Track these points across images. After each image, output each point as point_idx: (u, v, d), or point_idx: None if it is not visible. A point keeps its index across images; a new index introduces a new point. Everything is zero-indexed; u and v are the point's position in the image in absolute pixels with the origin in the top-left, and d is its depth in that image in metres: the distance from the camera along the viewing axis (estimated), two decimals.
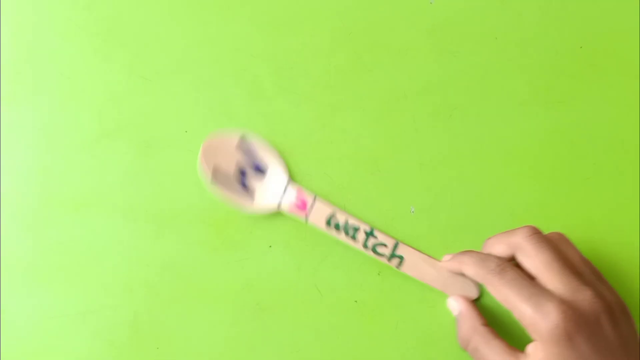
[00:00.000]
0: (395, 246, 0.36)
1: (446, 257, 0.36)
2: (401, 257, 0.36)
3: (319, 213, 0.36)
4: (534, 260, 0.31)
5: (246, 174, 0.36)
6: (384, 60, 0.39)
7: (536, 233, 0.32)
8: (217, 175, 0.36)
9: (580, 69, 0.39)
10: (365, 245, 0.36)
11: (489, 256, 0.32)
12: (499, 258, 0.32)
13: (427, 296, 0.36)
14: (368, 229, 0.36)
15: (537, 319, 0.29)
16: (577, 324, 0.28)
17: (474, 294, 0.35)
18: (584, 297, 0.29)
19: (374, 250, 0.36)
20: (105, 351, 0.36)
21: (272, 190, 0.36)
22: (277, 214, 0.37)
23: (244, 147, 0.36)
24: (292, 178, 0.37)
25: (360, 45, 0.39)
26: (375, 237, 0.36)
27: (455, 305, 0.35)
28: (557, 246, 0.31)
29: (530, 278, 0.30)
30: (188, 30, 0.39)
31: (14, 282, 0.36)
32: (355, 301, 0.36)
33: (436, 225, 0.37)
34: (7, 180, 0.37)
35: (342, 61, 0.39)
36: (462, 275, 0.35)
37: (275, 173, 0.36)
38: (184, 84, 0.39)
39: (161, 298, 0.36)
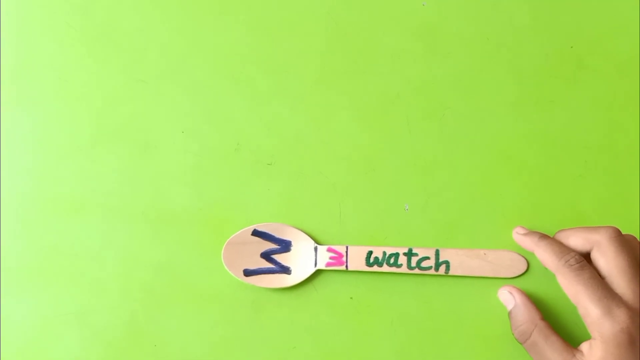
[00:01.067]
0: (437, 254, 0.36)
1: (519, 230, 0.36)
2: (447, 263, 0.36)
3: (357, 258, 0.36)
4: (611, 263, 0.31)
5: (273, 255, 0.36)
6: (378, 62, 0.40)
7: (619, 236, 0.32)
8: (247, 270, 0.36)
9: (570, 69, 0.40)
10: (410, 267, 0.36)
11: (568, 249, 0.33)
12: (578, 253, 0.32)
13: (422, 292, 0.37)
14: (406, 250, 0.36)
15: (604, 321, 0.30)
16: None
17: (520, 270, 0.36)
18: None
19: (420, 267, 0.36)
20: (103, 351, 0.36)
21: (304, 257, 0.37)
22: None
23: (259, 234, 0.37)
24: (290, 173, 0.38)
25: (353, 47, 0.40)
26: (416, 254, 0.36)
27: (510, 298, 0.35)
28: (634, 252, 0.32)
29: (601, 277, 0.31)
30: (184, 34, 0.40)
31: (12, 283, 0.37)
32: (351, 298, 0.37)
33: (430, 222, 0.37)
34: (4, 182, 0.38)
35: (336, 63, 0.40)
36: (509, 252, 0.36)
37: (301, 241, 0.37)
38: (180, 86, 0.39)
39: (158, 298, 0.36)
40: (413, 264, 0.36)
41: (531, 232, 0.35)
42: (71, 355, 0.36)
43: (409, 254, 0.36)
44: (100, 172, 0.38)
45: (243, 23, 0.40)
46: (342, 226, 0.37)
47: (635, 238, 0.34)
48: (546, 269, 0.34)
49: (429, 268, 0.36)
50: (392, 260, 0.36)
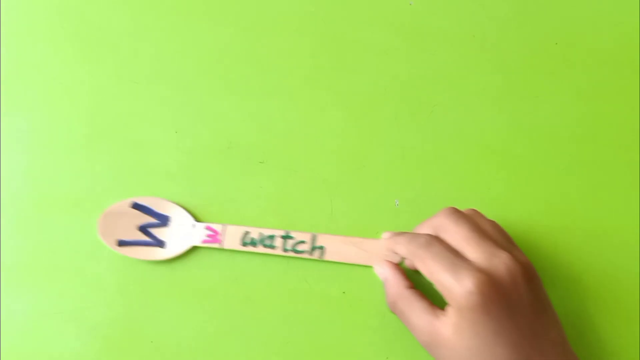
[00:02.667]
0: (314, 239, 0.37)
1: (385, 235, 0.37)
2: (322, 247, 0.37)
3: (233, 238, 0.37)
4: (455, 235, 0.32)
5: (150, 229, 0.37)
6: (366, 59, 0.40)
7: (456, 211, 0.33)
8: (121, 241, 0.37)
9: (555, 65, 0.41)
10: (285, 249, 0.37)
11: (418, 234, 0.33)
12: (428, 234, 0.33)
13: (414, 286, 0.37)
14: (283, 233, 0.37)
15: (454, 286, 0.30)
16: (492, 289, 0.30)
17: (395, 260, 0.37)
18: (500, 260, 0.31)
19: (295, 251, 0.37)
20: (100, 346, 0.36)
21: (181, 233, 0.37)
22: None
23: (139, 207, 0.37)
24: (282, 171, 0.38)
25: (342, 46, 0.40)
26: (292, 237, 0.37)
27: (381, 271, 0.36)
28: (473, 220, 0.33)
29: (455, 252, 0.32)
30: (175, 34, 0.40)
31: (9, 281, 0.37)
32: (344, 292, 0.37)
33: (420, 217, 0.38)
34: (4, 183, 0.38)
35: (325, 61, 0.40)
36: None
37: (179, 217, 0.37)
38: (171, 85, 0.40)
39: (153, 293, 0.37)
40: (288, 246, 0.37)
41: (393, 233, 0.36)
42: (69, 351, 0.36)
43: (286, 237, 0.37)
44: (95, 171, 0.38)
45: (233, 23, 0.41)
46: (334, 222, 0.38)
47: (475, 210, 0.34)
48: None
49: (304, 252, 0.37)
50: (267, 242, 0.37)
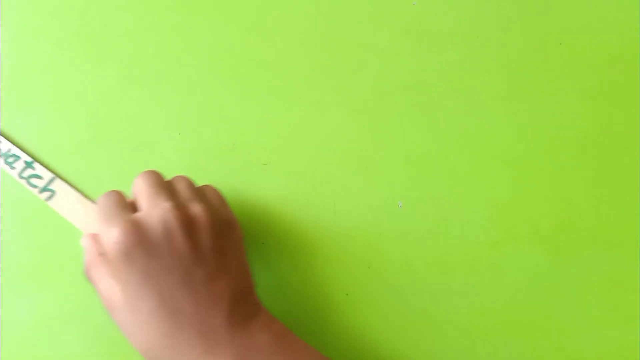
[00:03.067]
0: (51, 180, 0.36)
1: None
2: (53, 191, 0.36)
3: None
4: (134, 189, 0.32)
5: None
6: (370, 59, 0.40)
7: (149, 171, 0.33)
8: None
9: (559, 65, 0.40)
10: (21, 176, 0.36)
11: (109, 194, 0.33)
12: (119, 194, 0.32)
13: (417, 290, 0.37)
14: (29, 160, 0.36)
15: (103, 236, 0.30)
16: (135, 237, 0.29)
17: None
18: (158, 211, 0.30)
19: (28, 182, 0.36)
20: (105, 348, 0.36)
21: None
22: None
23: None
24: (285, 172, 0.38)
25: (345, 46, 0.40)
26: (34, 168, 0.36)
27: (83, 240, 0.34)
28: (160, 178, 0.33)
29: (124, 205, 0.31)
30: (178, 35, 0.40)
31: (13, 283, 0.37)
32: (347, 294, 0.37)
33: (423, 219, 0.38)
34: (5, 181, 0.38)
35: (328, 61, 0.40)
36: None
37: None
38: (175, 87, 0.40)
39: None
40: (25, 175, 0.36)
41: None
42: (72, 354, 0.36)
43: (28, 164, 0.36)
44: (98, 173, 0.38)
45: (236, 23, 0.41)
46: (337, 223, 0.38)
47: (177, 176, 0.34)
48: None
49: (36, 187, 0.36)
50: (10, 160, 0.36)
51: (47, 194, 0.36)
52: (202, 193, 0.33)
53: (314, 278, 0.37)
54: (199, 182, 0.38)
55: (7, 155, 0.36)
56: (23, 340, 0.37)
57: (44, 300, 0.37)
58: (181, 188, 0.33)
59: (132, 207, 0.32)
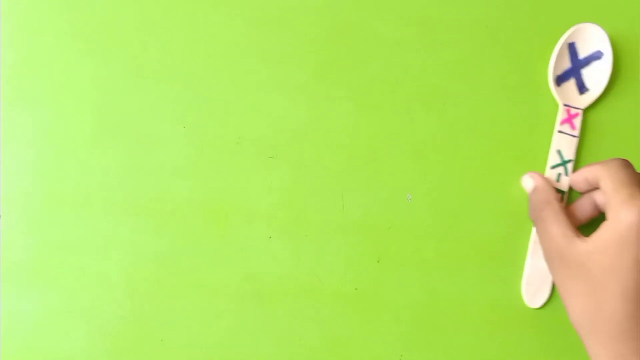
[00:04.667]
0: None
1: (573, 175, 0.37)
2: None
3: None
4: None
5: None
6: (377, 51, 0.40)
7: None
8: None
9: None
10: None
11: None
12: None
13: (427, 283, 0.37)
14: None
15: (625, 204, 0.30)
16: None
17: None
18: None
19: None
20: (109, 345, 0.36)
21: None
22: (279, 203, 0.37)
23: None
24: (292, 165, 0.38)
25: (352, 37, 0.40)
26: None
27: (530, 181, 0.36)
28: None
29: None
30: (183, 27, 0.40)
31: (16, 280, 0.37)
32: (356, 289, 0.37)
33: (433, 211, 0.38)
34: (7, 179, 0.38)
35: (335, 53, 0.39)
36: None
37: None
38: (180, 80, 0.39)
39: (163, 291, 0.37)
40: None
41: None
42: (78, 350, 0.36)
43: None
44: (103, 167, 0.38)
45: (241, 15, 0.40)
46: (345, 217, 0.37)
47: None
48: None
49: None
50: None
51: None
52: None
53: (323, 272, 0.37)
54: (205, 176, 0.38)
55: None
56: (31, 338, 0.36)
57: (51, 297, 0.37)
58: None
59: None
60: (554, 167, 0.37)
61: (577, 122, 0.38)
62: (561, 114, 0.38)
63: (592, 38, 0.38)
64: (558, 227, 0.33)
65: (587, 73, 0.38)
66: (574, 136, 0.38)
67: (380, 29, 0.40)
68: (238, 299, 0.36)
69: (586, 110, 0.38)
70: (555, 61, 0.38)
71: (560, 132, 0.38)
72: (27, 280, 0.37)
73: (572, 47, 0.38)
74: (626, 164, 0.33)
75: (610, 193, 0.31)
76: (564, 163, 0.37)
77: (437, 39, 0.40)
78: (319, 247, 0.37)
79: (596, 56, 0.38)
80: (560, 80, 0.38)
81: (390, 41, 0.40)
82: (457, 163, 0.38)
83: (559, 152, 0.38)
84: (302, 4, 0.40)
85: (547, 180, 0.36)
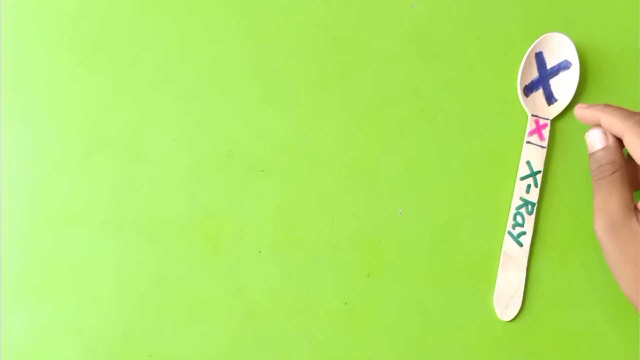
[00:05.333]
0: None
1: (581, 105, 0.36)
2: None
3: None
4: None
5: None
6: (368, 64, 0.39)
7: None
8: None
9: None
10: None
11: (635, 112, 0.33)
12: None
13: (418, 298, 0.36)
14: None
15: None
16: None
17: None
18: None
19: None
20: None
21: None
22: (267, 219, 0.37)
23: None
24: (282, 180, 0.38)
25: (343, 51, 0.40)
26: None
27: (602, 138, 0.34)
28: None
29: None
30: (173, 42, 0.40)
31: (8, 296, 0.37)
32: (346, 304, 0.36)
33: (424, 226, 0.37)
34: (4, 192, 0.38)
35: (326, 67, 0.39)
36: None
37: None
38: (170, 94, 0.39)
39: (153, 308, 0.36)
40: None
41: (594, 104, 0.35)
42: None
43: None
44: (93, 183, 0.38)
45: (233, 29, 0.40)
46: (336, 230, 0.37)
47: None
48: None
49: None
50: None
51: None
52: None
53: (312, 287, 0.37)
54: (195, 190, 0.38)
55: None
56: (19, 354, 0.36)
57: (41, 314, 0.37)
58: None
59: None
60: (523, 178, 0.37)
61: (546, 132, 0.38)
62: (530, 125, 0.38)
63: (559, 47, 0.38)
64: (621, 195, 0.32)
65: (555, 83, 0.38)
66: (542, 147, 0.37)
67: (371, 42, 0.40)
68: (227, 315, 0.36)
69: (554, 121, 0.38)
70: (523, 71, 0.38)
71: (528, 142, 0.38)
72: (16, 297, 0.37)
73: (539, 57, 0.38)
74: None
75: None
76: (533, 174, 0.37)
77: (429, 51, 0.39)
78: (309, 261, 0.37)
79: (564, 66, 0.38)
80: (528, 90, 0.38)
81: (381, 54, 0.40)
82: (449, 176, 0.38)
83: (528, 163, 0.37)
84: (295, 18, 0.40)
85: (618, 141, 0.34)
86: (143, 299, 0.37)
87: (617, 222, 0.32)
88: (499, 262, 0.37)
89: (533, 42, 0.38)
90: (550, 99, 0.38)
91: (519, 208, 0.37)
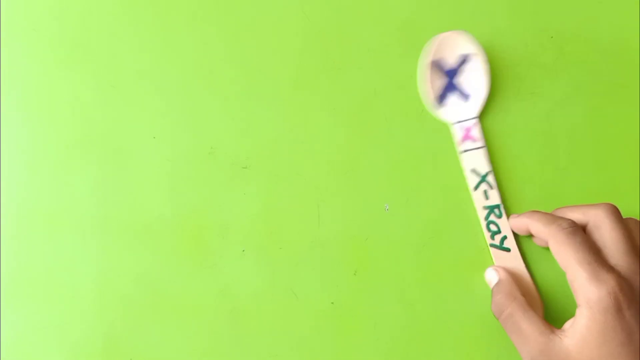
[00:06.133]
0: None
1: (512, 217, 0.36)
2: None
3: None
4: (606, 235, 0.31)
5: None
6: (354, 59, 0.39)
7: (617, 212, 0.32)
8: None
9: (551, 59, 0.39)
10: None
11: (561, 217, 0.32)
12: (572, 220, 0.32)
13: (405, 296, 0.36)
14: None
15: (591, 286, 0.29)
16: (629, 298, 0.28)
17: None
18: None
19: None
20: None
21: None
22: (252, 217, 0.36)
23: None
24: (266, 176, 0.37)
25: (329, 45, 0.39)
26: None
27: (494, 275, 0.34)
28: (631, 228, 0.32)
29: (597, 251, 0.30)
30: (154, 36, 0.39)
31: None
32: (332, 302, 0.36)
33: (410, 222, 0.37)
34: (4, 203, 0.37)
35: (311, 61, 0.39)
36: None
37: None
38: (151, 90, 0.38)
39: (135, 309, 0.36)
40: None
41: (522, 213, 0.35)
42: None
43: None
44: (71, 183, 0.37)
45: (215, 22, 0.39)
46: (321, 228, 0.36)
47: (634, 219, 0.33)
48: None
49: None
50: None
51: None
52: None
53: (298, 286, 0.36)
54: (177, 188, 0.37)
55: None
56: (3, 356, 0.35)
57: (20, 317, 0.36)
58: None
59: (596, 248, 0.31)
60: (476, 187, 0.36)
61: (476, 132, 0.37)
62: (458, 133, 0.37)
63: (454, 46, 0.37)
64: (530, 325, 0.31)
65: (464, 81, 0.37)
66: (479, 147, 0.37)
67: (357, 36, 0.39)
68: (211, 315, 0.36)
69: (481, 117, 0.37)
70: (430, 83, 0.37)
71: (465, 151, 0.37)
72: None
73: (437, 63, 0.37)
74: (573, 230, 0.31)
75: (572, 277, 0.30)
76: (483, 178, 0.36)
77: (415, 45, 0.39)
78: (294, 260, 0.36)
79: (465, 61, 0.37)
80: (441, 99, 0.37)
81: (367, 49, 0.39)
82: (436, 172, 0.37)
83: (473, 170, 0.37)
84: (278, 10, 0.39)
85: (509, 274, 0.34)
86: (125, 300, 0.36)
87: (543, 351, 0.30)
88: (487, 258, 0.36)
89: (518, 33, 0.38)
90: (465, 97, 0.37)
91: (488, 217, 0.36)
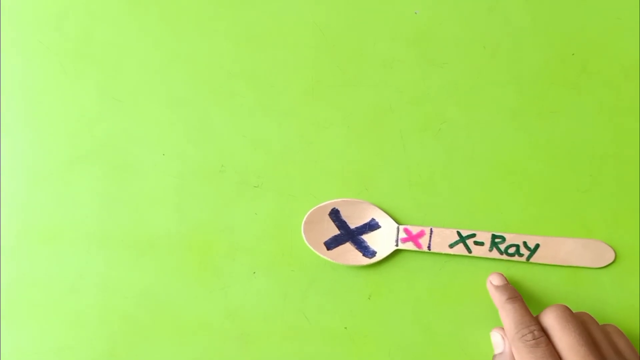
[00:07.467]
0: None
1: (494, 279, 0.34)
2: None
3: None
4: (561, 342, 0.30)
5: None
6: (369, 73, 0.38)
7: (564, 313, 0.31)
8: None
9: (572, 77, 0.37)
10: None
11: (530, 320, 0.31)
12: (539, 327, 0.31)
13: (420, 319, 0.35)
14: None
15: None
16: None
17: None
18: None
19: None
20: None
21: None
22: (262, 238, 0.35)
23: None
24: (278, 195, 0.36)
25: (343, 59, 0.38)
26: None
27: (500, 342, 0.33)
28: (583, 328, 0.31)
29: (558, 356, 0.30)
30: (161, 47, 0.38)
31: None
32: (345, 327, 0.35)
33: None
34: (3, 220, 0.36)
35: (325, 75, 0.37)
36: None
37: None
38: (159, 103, 0.37)
39: (139, 330, 0.35)
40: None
41: (502, 288, 0.33)
42: None
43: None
44: (76, 197, 0.36)
45: (225, 35, 0.38)
46: None
47: (586, 314, 0.32)
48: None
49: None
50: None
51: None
52: (624, 343, 0.32)
53: (310, 310, 0.35)
54: (186, 206, 0.36)
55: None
56: None
57: (19, 338, 0.35)
58: (601, 340, 0.31)
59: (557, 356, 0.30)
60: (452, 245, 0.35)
61: (424, 240, 0.35)
62: (400, 234, 0.35)
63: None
64: None
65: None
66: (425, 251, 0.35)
67: (372, 50, 0.38)
68: (220, 339, 0.35)
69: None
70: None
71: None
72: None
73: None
74: (536, 343, 0.30)
75: None
76: (462, 240, 0.35)
77: (432, 59, 0.38)
78: (306, 282, 0.35)
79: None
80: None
81: (382, 62, 0.38)
82: (454, 191, 0.36)
83: (458, 232, 0.35)
84: (291, 23, 0.38)
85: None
86: (128, 319, 0.35)
87: None
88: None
89: (538, 49, 0.37)
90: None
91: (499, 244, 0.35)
